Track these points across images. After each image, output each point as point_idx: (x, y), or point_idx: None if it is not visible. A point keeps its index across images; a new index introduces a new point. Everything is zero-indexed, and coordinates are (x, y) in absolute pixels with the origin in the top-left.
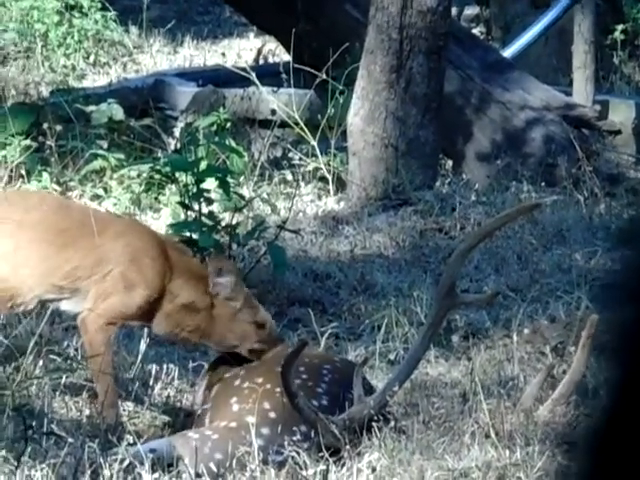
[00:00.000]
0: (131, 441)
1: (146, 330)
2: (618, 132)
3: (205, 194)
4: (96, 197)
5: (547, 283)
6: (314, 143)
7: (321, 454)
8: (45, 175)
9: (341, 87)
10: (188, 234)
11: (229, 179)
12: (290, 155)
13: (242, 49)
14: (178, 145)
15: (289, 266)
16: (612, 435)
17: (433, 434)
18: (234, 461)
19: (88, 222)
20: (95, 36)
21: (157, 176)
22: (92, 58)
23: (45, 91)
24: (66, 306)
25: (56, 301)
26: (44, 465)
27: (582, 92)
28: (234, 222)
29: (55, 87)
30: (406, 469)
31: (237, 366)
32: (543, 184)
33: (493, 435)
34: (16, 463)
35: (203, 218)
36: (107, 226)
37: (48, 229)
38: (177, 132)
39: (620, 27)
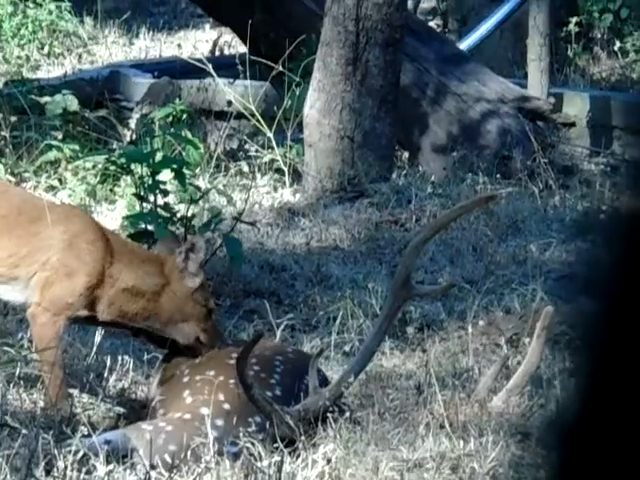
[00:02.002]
0: (85, 433)
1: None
2: (572, 124)
3: (161, 186)
4: (51, 188)
5: (502, 275)
6: (270, 135)
7: (276, 445)
8: None
9: (297, 79)
10: (143, 226)
11: (185, 170)
12: (246, 147)
13: (198, 40)
14: (134, 136)
15: (245, 258)
16: (575, 426)
17: (388, 425)
18: (189, 452)
19: (26, 209)
20: (49, 27)
21: (112, 167)
22: (46, 49)
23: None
24: (8, 295)
25: None
26: None
27: (537, 85)
28: (190, 214)
29: (9, 78)
30: (361, 460)
31: (191, 358)
32: (498, 176)
33: (447, 426)
34: None
35: (159, 210)
36: (44, 213)
37: None
38: (132, 123)
39: (574, 20)
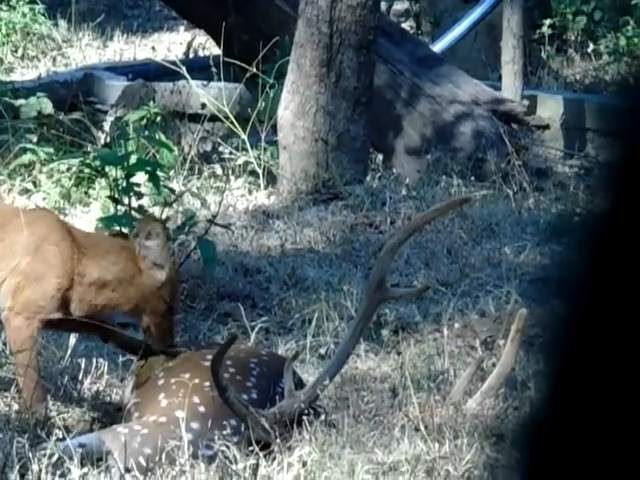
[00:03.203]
0: (60, 436)
1: None
2: (546, 127)
3: (135, 188)
4: (25, 191)
5: (477, 277)
6: (244, 137)
7: (251, 448)
8: None
9: (271, 81)
10: (118, 228)
11: (159, 173)
12: (220, 149)
13: (172, 43)
14: (108, 139)
15: (219, 261)
16: (547, 427)
17: (363, 428)
18: (163, 455)
19: None
20: (23, 29)
21: (87, 170)
22: (20, 52)
23: None
24: None
25: None
26: None
27: (511, 87)
28: (164, 216)
29: None
30: (337, 463)
31: (166, 361)
32: (473, 178)
33: (422, 428)
34: None
35: (133, 212)
36: (11, 218)
37: None
38: (107, 126)
39: (548, 22)
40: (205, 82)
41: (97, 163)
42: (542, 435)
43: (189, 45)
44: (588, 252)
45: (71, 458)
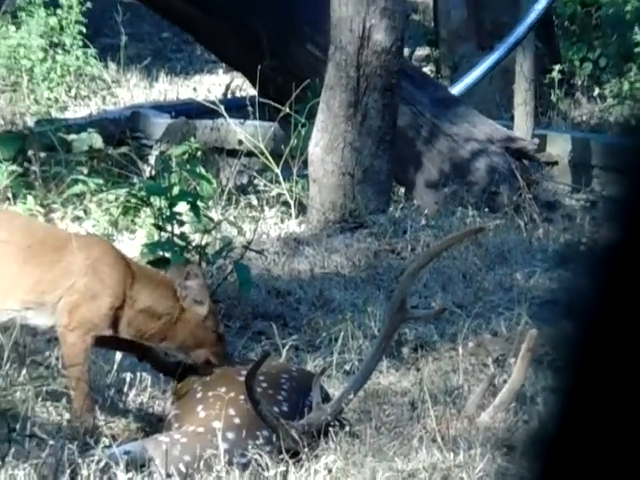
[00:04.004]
0: (107, 443)
1: None
2: (555, 163)
3: (177, 217)
4: (77, 219)
5: (490, 300)
6: (278, 171)
7: (281, 456)
8: (30, 198)
9: (303, 120)
10: (161, 253)
11: (199, 203)
12: (255, 182)
13: (212, 84)
14: (153, 172)
15: (254, 283)
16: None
17: (384, 438)
18: (201, 462)
19: (49, 240)
20: (77, 71)
21: (133, 200)
22: (74, 91)
23: (30, 121)
24: (36, 320)
25: (25, 313)
26: (27, 465)
27: (523, 126)
28: (204, 242)
29: (40, 117)
30: (359, 470)
31: (202, 376)
32: (487, 210)
33: (439, 439)
34: (0, 463)
35: (175, 239)
36: (67, 242)
37: (12, 247)
38: (152, 160)
39: (557, 67)
40: (242, 120)
41: (143, 193)
42: (554, 448)
43: (227, 86)
44: (595, 278)
45: (117, 464)
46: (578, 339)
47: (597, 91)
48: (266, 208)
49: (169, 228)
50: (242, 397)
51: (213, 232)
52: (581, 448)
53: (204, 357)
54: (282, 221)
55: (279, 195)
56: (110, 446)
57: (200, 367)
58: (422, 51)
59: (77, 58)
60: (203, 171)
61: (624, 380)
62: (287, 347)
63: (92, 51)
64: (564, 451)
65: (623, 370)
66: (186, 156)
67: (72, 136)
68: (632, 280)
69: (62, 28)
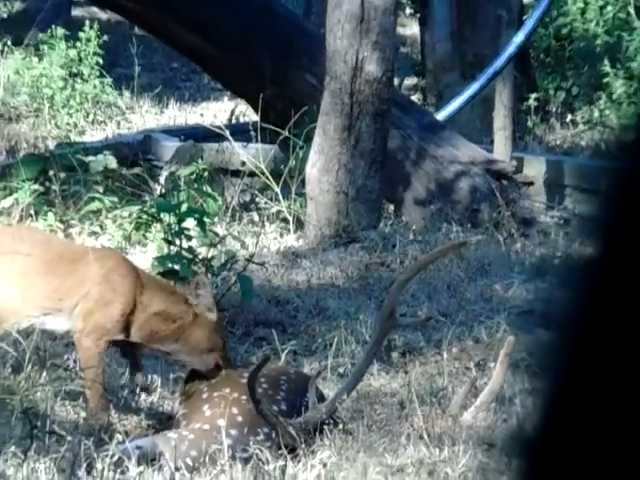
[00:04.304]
0: (120, 439)
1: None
2: (531, 183)
3: (185, 232)
4: (93, 233)
5: (472, 309)
6: (277, 190)
7: (280, 452)
8: (50, 215)
9: (301, 143)
10: (171, 265)
11: (205, 219)
12: (257, 200)
13: (218, 110)
14: (163, 190)
15: (255, 293)
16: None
17: (375, 435)
18: (207, 457)
19: (66, 253)
20: (94, 99)
21: (145, 216)
22: (91, 117)
23: (51, 144)
24: (52, 325)
25: (44, 318)
26: (47, 459)
27: (502, 150)
28: (209, 256)
29: (60, 141)
30: (352, 465)
31: (208, 379)
32: (469, 226)
33: (425, 436)
34: (23, 457)
35: (183, 252)
36: (82, 255)
37: (33, 260)
38: (162, 179)
39: (533, 96)
40: (245, 143)
41: (153, 210)
42: (532, 447)
43: (232, 112)
44: (568, 289)
45: (129, 458)
46: (553, 345)
47: (570, 117)
48: (267, 224)
49: (178, 242)
50: (244, 397)
51: (218, 246)
52: (564, 447)
53: (214, 361)
54: (281, 236)
55: (279, 212)
56: (123, 442)
57: (209, 371)
58: (410, 80)
59: (94, 87)
60: (209, 190)
61: (597, 382)
62: (286, 352)
63: (108, 80)
64: (542, 450)
65: (596, 373)
66: (194, 176)
67: (89, 158)
68: (605, 292)
69: (81, 59)
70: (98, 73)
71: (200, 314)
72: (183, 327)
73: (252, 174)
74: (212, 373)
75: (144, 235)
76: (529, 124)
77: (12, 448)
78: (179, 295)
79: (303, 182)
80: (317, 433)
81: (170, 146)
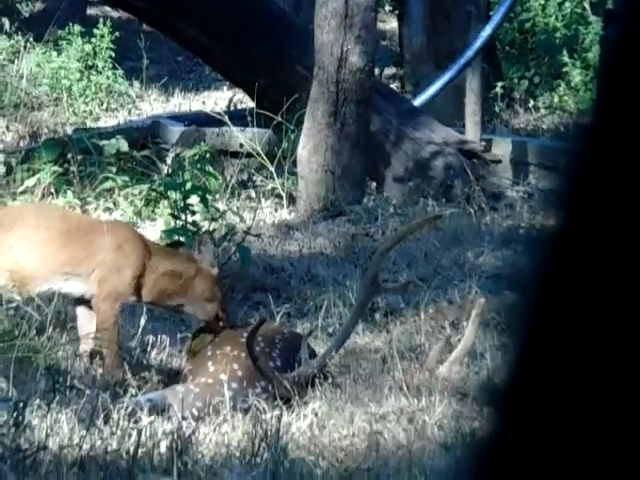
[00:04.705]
0: (134, 393)
1: (144, 308)
2: (499, 162)
3: (190, 207)
4: (107, 209)
5: (446, 275)
6: (272, 169)
7: (276, 403)
8: (69, 193)
9: (292, 127)
10: (177, 237)
11: (208, 196)
12: (254, 178)
13: (218, 98)
14: (169, 170)
15: (253, 262)
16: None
17: (360, 388)
18: (211, 408)
19: (83, 226)
20: (107, 88)
21: (153, 194)
22: (105, 105)
23: (69, 130)
24: (71, 288)
25: (63, 283)
26: (68, 410)
27: (472, 132)
28: (211, 228)
29: (77, 127)
30: (340, 414)
31: (212, 337)
32: (443, 200)
33: (405, 388)
34: (47, 409)
35: (188, 225)
36: (96, 227)
37: (54, 232)
38: (169, 160)
39: (499, 84)
40: (242, 128)
41: (161, 188)
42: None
43: (230, 100)
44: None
45: (142, 409)
46: (520, 305)
47: (532, 103)
48: (262, 200)
49: (183, 217)
50: (244, 355)
51: (219, 220)
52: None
53: (214, 312)
54: (276, 210)
55: (273, 189)
56: (136, 395)
57: (211, 324)
58: (390, 70)
59: (107, 78)
60: (211, 170)
61: (558, 336)
62: (280, 314)
63: (120, 72)
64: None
65: (557, 329)
66: (197, 157)
67: (103, 142)
68: (565, 257)
69: (95, 53)
70: (111, 66)
71: (202, 268)
72: (188, 282)
73: (249, 155)
74: (213, 323)
75: (153, 211)
76: (496, 109)
77: (37, 401)
78: (182, 255)
79: (295, 162)
80: (309, 386)
81: (176, 130)
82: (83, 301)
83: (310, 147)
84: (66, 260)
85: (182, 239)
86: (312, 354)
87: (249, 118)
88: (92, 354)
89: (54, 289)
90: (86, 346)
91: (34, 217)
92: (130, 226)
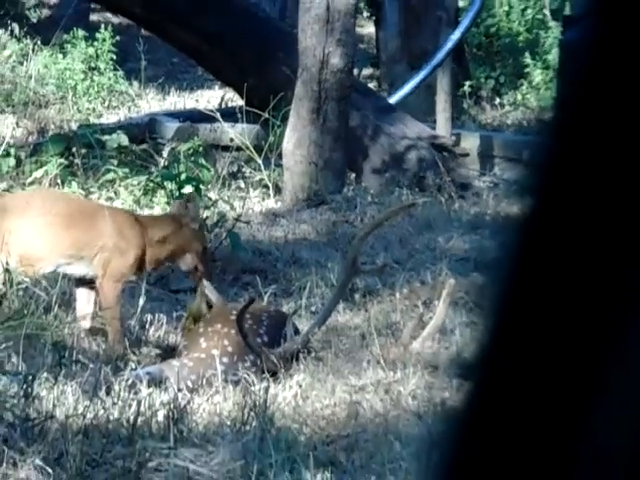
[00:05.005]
0: (133, 367)
1: (143, 290)
2: (467, 155)
3: (184, 197)
4: (109, 198)
5: (420, 258)
6: (260, 161)
7: (264, 375)
8: (74, 184)
9: (278, 123)
10: None
11: (201, 186)
12: (243, 170)
13: (210, 97)
14: (166, 163)
15: (242, 247)
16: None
17: (341, 361)
18: (204, 380)
19: (85, 210)
20: (109, 88)
21: (151, 184)
22: (107, 103)
23: (74, 126)
24: (74, 270)
25: (67, 265)
26: (73, 383)
27: (443, 127)
28: (204, 216)
29: (81, 123)
30: (322, 385)
31: (205, 315)
32: (417, 190)
33: (382, 362)
34: (54, 381)
35: None
36: (98, 212)
37: (58, 216)
38: (165, 154)
39: (468, 83)
40: (233, 124)
41: (158, 179)
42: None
43: (222, 98)
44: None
45: (141, 382)
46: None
47: (498, 100)
48: (251, 190)
49: None
50: (234, 331)
51: (211, 208)
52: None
53: (193, 264)
54: (263, 199)
55: (261, 180)
56: (136, 369)
57: (190, 274)
58: (367, 71)
59: (109, 78)
60: (204, 162)
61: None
62: (267, 294)
63: (120, 73)
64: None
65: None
66: (191, 151)
67: (105, 137)
68: (528, 241)
69: (98, 56)
70: (112, 67)
71: (185, 224)
72: (174, 240)
73: (239, 149)
74: (192, 274)
75: (151, 199)
76: (465, 106)
77: (45, 374)
78: (168, 217)
79: (280, 155)
80: (294, 360)
81: (171, 126)
82: (84, 282)
83: (295, 141)
84: (69, 243)
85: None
86: (296, 331)
87: (239, 115)
88: (92, 331)
89: (59, 270)
90: (86, 324)
91: (39, 202)
92: (128, 211)
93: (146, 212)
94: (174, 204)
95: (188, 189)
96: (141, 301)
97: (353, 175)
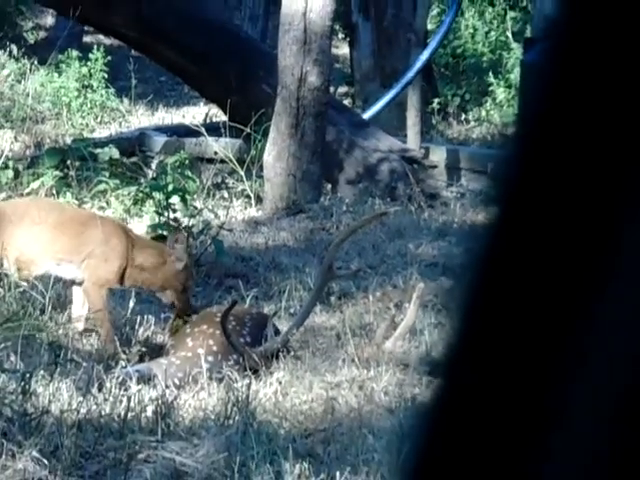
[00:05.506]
0: (124, 365)
1: (133, 293)
2: (435, 167)
3: (171, 206)
4: (101, 208)
5: (391, 263)
6: (242, 173)
7: (246, 373)
8: (68, 194)
9: (260, 137)
10: (160, 231)
11: (187, 197)
12: (226, 181)
13: (196, 113)
14: (154, 175)
15: (226, 252)
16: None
17: (318, 360)
18: (190, 378)
19: (76, 218)
20: (101, 105)
21: (141, 194)
22: (99, 119)
23: (69, 140)
24: (64, 273)
25: (58, 267)
26: (67, 380)
27: (413, 141)
28: (190, 224)
29: (75, 137)
30: (301, 382)
31: (190, 318)
32: (388, 199)
33: (356, 360)
34: (50, 379)
35: (170, 221)
36: (88, 220)
37: (51, 223)
38: (153, 166)
39: (436, 100)
40: (217, 138)
41: (147, 190)
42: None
43: (207, 114)
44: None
45: (131, 379)
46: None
47: (464, 116)
48: (234, 199)
49: (166, 214)
50: (218, 332)
51: (197, 217)
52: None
53: (172, 299)
54: (245, 208)
55: (243, 190)
56: (126, 367)
57: (168, 306)
58: (343, 89)
59: (101, 95)
60: (189, 174)
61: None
62: (249, 297)
63: (112, 90)
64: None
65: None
66: (177, 163)
67: (98, 150)
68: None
69: (91, 75)
70: (104, 85)
71: (170, 262)
72: (156, 271)
73: (222, 161)
74: (170, 308)
75: (140, 209)
76: (433, 122)
77: (41, 372)
78: (158, 248)
79: (261, 167)
80: (274, 359)
81: (160, 140)
82: (77, 284)
83: (275, 154)
84: (61, 248)
85: (165, 233)
86: (277, 331)
87: (222, 130)
88: (85, 332)
89: (50, 273)
90: (80, 325)
91: (34, 210)
92: (118, 221)
93: (136, 220)
94: (171, 236)
95: (175, 199)
96: (131, 303)
97: (329, 186)
